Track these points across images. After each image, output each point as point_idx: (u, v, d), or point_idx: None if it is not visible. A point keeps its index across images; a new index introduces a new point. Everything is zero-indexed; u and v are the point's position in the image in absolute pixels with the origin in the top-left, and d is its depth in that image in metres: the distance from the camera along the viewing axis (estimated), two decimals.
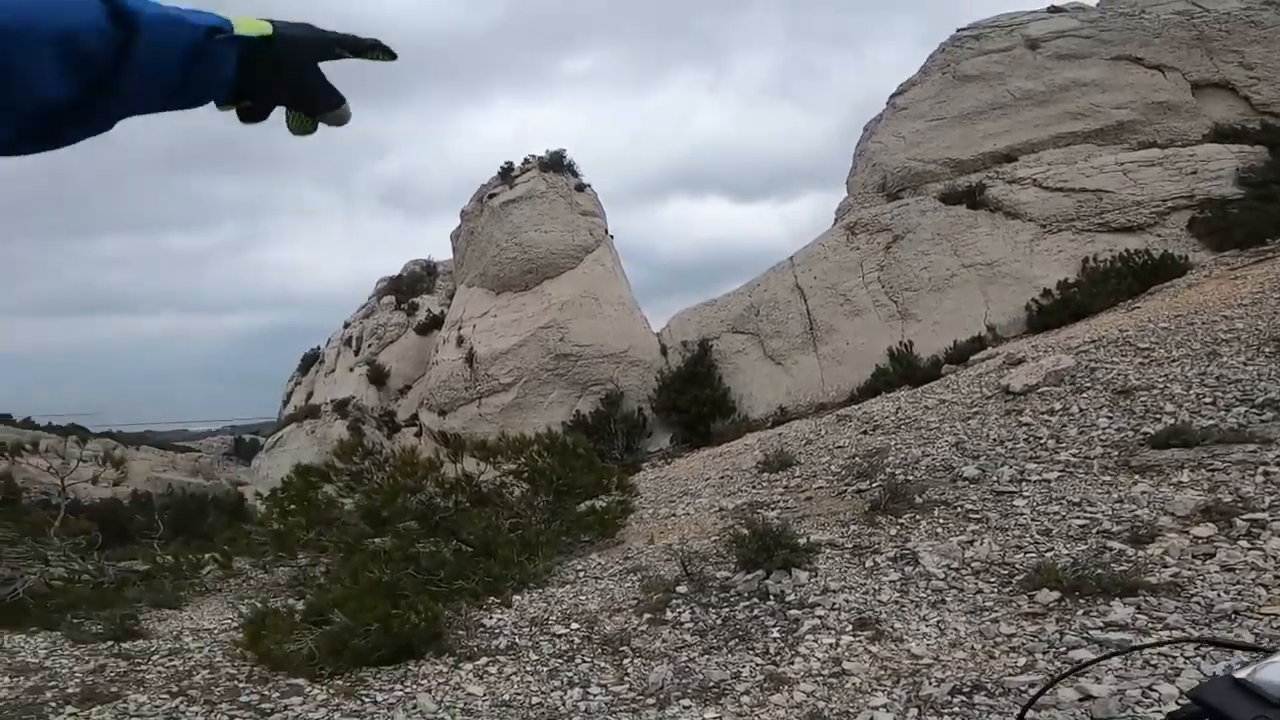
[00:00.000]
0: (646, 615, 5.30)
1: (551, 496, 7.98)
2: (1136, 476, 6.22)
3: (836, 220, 21.54)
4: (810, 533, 6.40)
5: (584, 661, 4.70)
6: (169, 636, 5.51)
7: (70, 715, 3.92)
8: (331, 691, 4.25)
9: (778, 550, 5.38)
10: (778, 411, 15.97)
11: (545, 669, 4.62)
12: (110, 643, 5.25)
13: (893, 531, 6.21)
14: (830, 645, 4.42)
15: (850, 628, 4.59)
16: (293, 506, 7.79)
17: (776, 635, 4.69)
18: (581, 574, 6.65)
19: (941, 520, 6.29)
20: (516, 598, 6.04)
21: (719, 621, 5.08)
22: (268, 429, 35.63)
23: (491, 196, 22.98)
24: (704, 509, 8.59)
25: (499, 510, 7.74)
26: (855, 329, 16.72)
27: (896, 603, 4.88)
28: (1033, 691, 3.62)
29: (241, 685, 4.40)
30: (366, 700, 4.16)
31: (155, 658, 4.96)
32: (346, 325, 31.74)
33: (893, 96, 22.10)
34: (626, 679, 4.43)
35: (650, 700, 4.13)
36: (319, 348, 33.86)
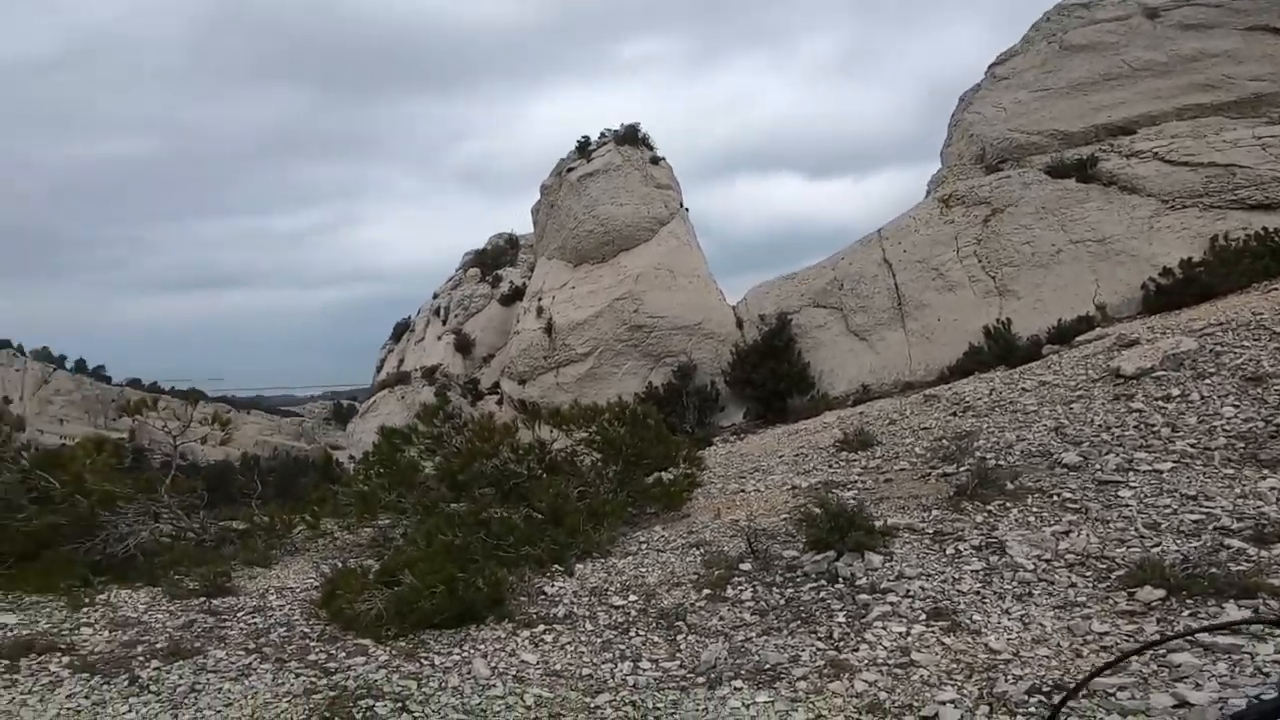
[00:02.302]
0: (706, 591, 5.13)
1: (620, 466, 7.85)
2: (1265, 471, 5.63)
3: (929, 193, 20.44)
4: (888, 515, 6.09)
5: (638, 635, 4.58)
6: (255, 594, 5.71)
7: (155, 669, 4.09)
8: (394, 653, 4.28)
9: (851, 531, 5.07)
10: (860, 389, 15.34)
11: (599, 640, 4.53)
12: (202, 599, 5.46)
13: (979, 518, 5.86)
14: (900, 634, 4.18)
15: (924, 617, 4.35)
16: (379, 469, 7.97)
17: (842, 620, 4.47)
18: (644, 546, 6.52)
19: (1034, 509, 5.89)
20: (579, 566, 5.97)
21: (782, 602, 4.87)
22: (364, 394, 37.29)
23: (569, 170, 23.02)
24: (775, 486, 8.32)
25: (569, 478, 7.69)
26: (947, 305, 15.79)
27: (977, 593, 4.58)
28: (1122, 696, 3.27)
29: (312, 644, 4.50)
30: (425, 663, 4.17)
31: (240, 614, 5.13)
32: (435, 296, 32.70)
33: (991, 66, 21.00)
34: (679, 655, 4.28)
35: (700, 679, 3.96)
36: (410, 318, 35.04)
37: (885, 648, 4.06)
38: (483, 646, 4.40)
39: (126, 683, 3.92)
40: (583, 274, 21.86)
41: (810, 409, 14.16)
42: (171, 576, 5.93)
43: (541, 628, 4.67)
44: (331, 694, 3.75)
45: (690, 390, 18.14)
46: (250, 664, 4.17)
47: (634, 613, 4.92)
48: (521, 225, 31.94)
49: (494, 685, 3.90)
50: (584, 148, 23.52)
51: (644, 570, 5.84)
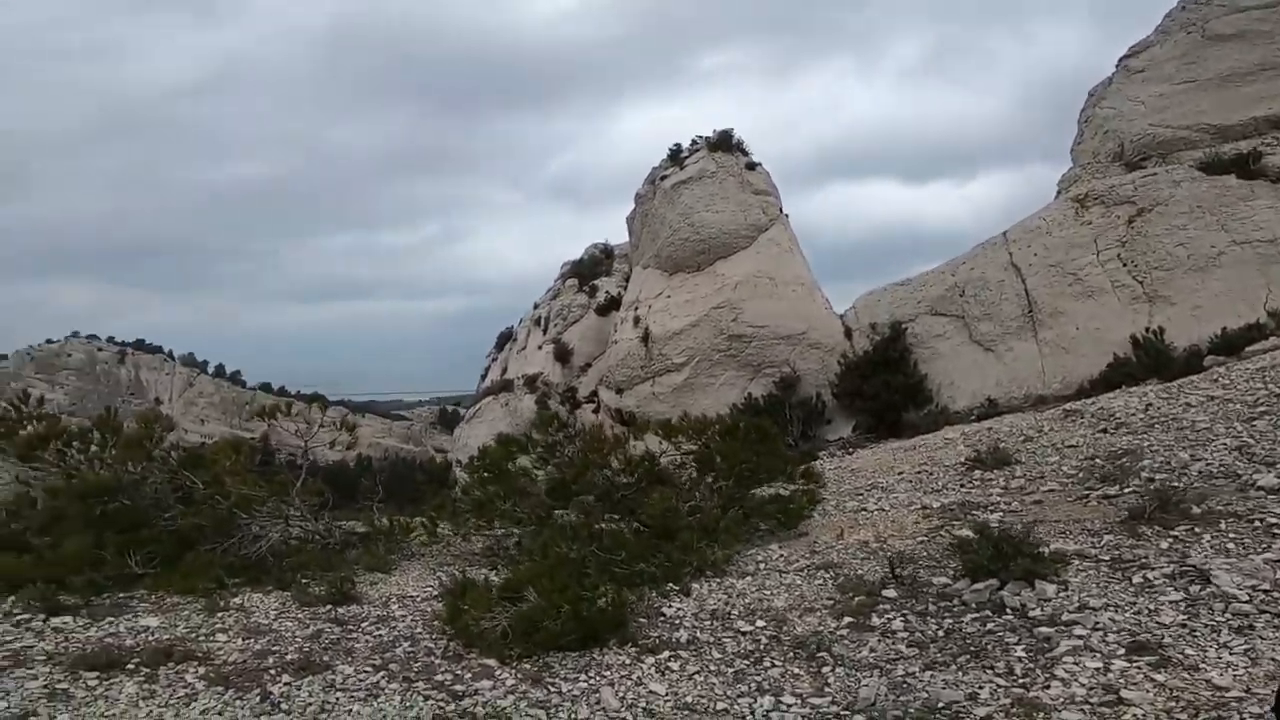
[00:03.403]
0: (847, 619, 4.62)
1: (732, 481, 7.37)
2: None
3: (1059, 192, 19.01)
4: (1049, 540, 5.37)
5: (774, 665, 4.12)
6: (379, 602, 5.57)
7: (286, 685, 3.96)
8: (519, 676, 4.04)
9: (1017, 558, 4.42)
10: (984, 403, 14.23)
11: (730, 670, 4.10)
12: (329, 607, 5.36)
13: (1164, 545, 5.17)
14: (1098, 670, 3.67)
15: (1123, 651, 3.82)
16: (488, 474, 7.82)
17: (1022, 654, 3.94)
18: (763, 566, 6.05)
19: (1232, 534, 5.13)
20: (695, 586, 5.56)
21: (941, 633, 4.35)
22: (468, 401, 38.27)
23: (663, 178, 22.77)
24: (901, 506, 7.66)
25: (677, 492, 7.30)
26: (1087, 312, 14.46)
27: (1184, 625, 4.02)
28: None
29: (437, 661, 4.27)
30: (552, 690, 3.89)
31: (365, 625, 4.99)
32: (536, 306, 33.22)
33: (1123, 59, 19.54)
34: (827, 690, 3.80)
35: (858, 717, 3.47)
36: (513, 327, 35.75)
37: (1083, 685, 3.54)
38: (608, 673, 4.07)
39: (258, 699, 3.80)
40: (679, 283, 21.54)
41: (929, 423, 13.22)
42: (300, 581, 5.91)
43: (666, 654, 4.29)
44: None
45: (794, 402, 17.42)
46: (378, 682, 3.99)
47: (765, 640, 4.45)
48: (615, 235, 32.13)
49: (625, 719, 3.57)
50: (676, 155, 23.29)
51: (768, 593, 5.36)
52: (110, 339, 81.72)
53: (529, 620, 4.25)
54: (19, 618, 4.97)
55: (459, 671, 4.13)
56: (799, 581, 5.52)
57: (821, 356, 18.59)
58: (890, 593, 4.89)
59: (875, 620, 4.53)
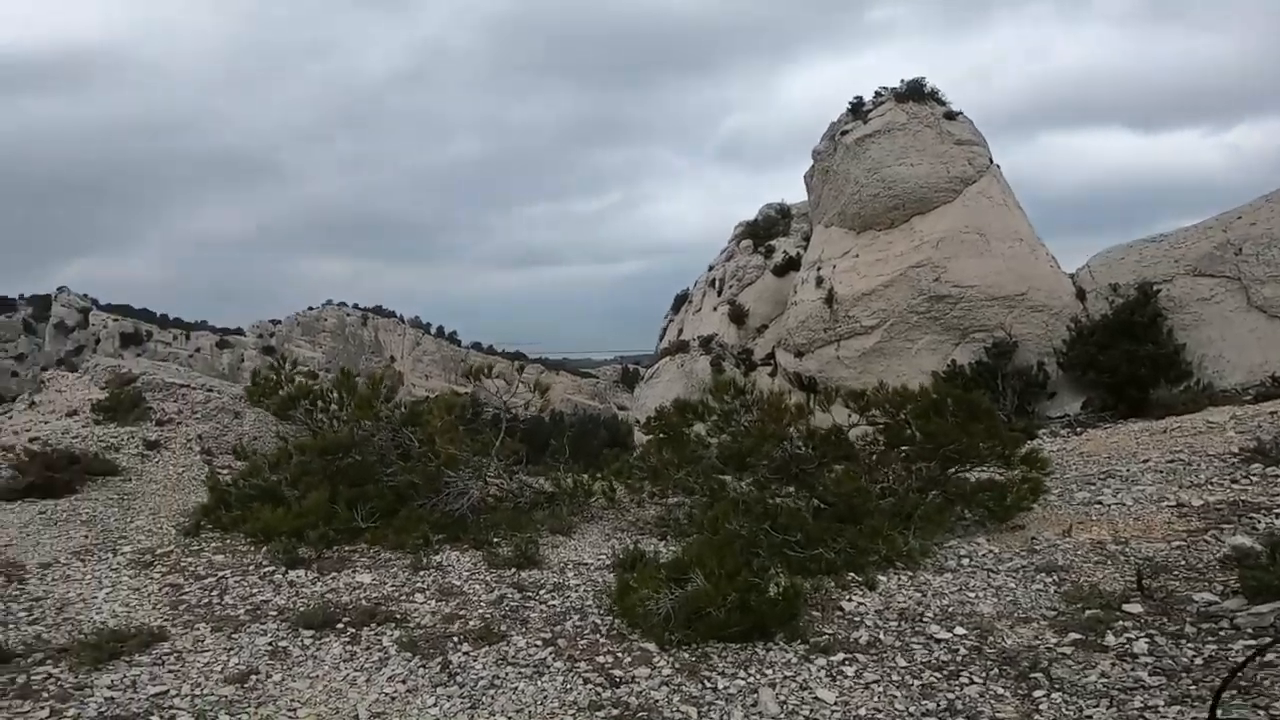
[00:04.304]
0: (1072, 635, 3.88)
1: (935, 462, 6.58)
2: None
3: None
4: None
5: (973, 682, 3.53)
6: (557, 568, 5.65)
7: (465, 654, 4.08)
8: (676, 666, 3.86)
9: None
10: (1266, 381, 11.72)
11: (917, 683, 3.57)
12: (513, 570, 5.51)
13: None
14: None
15: None
16: (663, 435, 7.71)
17: None
18: (966, 562, 5.32)
19: None
20: (882, 579, 4.98)
21: (1199, 662, 3.55)
22: (647, 360, 39.18)
23: (843, 133, 21.36)
24: (1148, 500, 6.47)
25: (866, 470, 6.66)
26: None
27: None
28: None
29: (602, 641, 4.26)
30: (708, 685, 3.66)
31: (542, 592, 5.06)
32: (711, 268, 33.04)
33: None
34: (1038, 717, 3.18)
35: None
36: (689, 289, 35.92)
37: None
38: (770, 672, 3.72)
39: (439, 668, 3.94)
40: (868, 241, 20.09)
41: (1186, 402, 11.14)
42: (491, 542, 6.19)
43: (840, 656, 3.85)
44: (614, 712, 3.41)
45: (1009, 371, 15.57)
46: (545, 659, 4.02)
47: (964, 651, 3.85)
48: (790, 194, 30.98)
49: None
50: (858, 109, 21.66)
51: (971, 595, 4.67)
52: (355, 305, 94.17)
53: (693, 605, 4.01)
54: (265, 569, 5.53)
55: (620, 654, 4.02)
56: (1012, 584, 4.80)
57: (1045, 320, 16.43)
58: (1134, 607, 4.06)
59: (1110, 639, 3.78)
